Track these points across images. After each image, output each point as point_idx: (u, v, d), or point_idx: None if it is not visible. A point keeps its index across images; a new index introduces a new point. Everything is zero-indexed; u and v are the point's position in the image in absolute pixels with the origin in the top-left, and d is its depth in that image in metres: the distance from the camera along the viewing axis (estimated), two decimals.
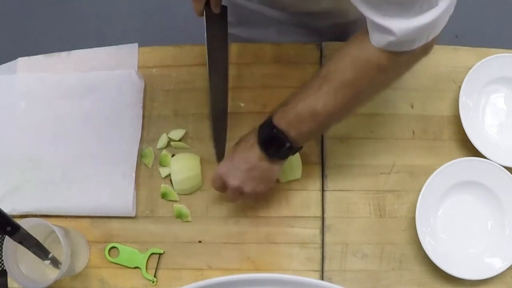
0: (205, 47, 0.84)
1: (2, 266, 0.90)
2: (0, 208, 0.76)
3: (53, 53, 0.98)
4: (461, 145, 0.91)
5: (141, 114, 0.93)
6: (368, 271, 0.87)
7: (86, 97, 0.94)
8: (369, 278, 0.87)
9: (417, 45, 0.65)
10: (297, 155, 0.87)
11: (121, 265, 0.89)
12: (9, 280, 0.88)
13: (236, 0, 1.00)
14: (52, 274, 0.85)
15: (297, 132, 0.74)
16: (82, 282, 0.89)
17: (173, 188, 0.90)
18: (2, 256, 0.88)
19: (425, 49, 0.67)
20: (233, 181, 0.80)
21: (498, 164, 0.86)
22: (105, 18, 1.91)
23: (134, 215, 0.90)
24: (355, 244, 0.88)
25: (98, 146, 0.92)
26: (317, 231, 0.89)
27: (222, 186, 0.83)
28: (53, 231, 0.81)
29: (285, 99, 0.75)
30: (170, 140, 0.93)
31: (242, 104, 0.93)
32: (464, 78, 0.89)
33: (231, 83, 0.89)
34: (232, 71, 0.92)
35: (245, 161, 0.78)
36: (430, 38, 0.65)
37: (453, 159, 0.87)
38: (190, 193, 0.91)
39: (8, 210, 0.88)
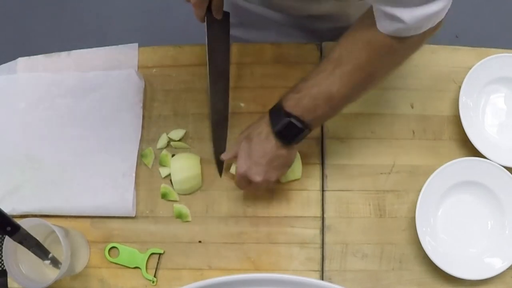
0: (206, 53, 0.84)
1: (2, 266, 0.90)
2: (0, 208, 0.76)
3: (53, 53, 0.98)
4: (461, 145, 0.91)
5: (141, 114, 0.94)
6: (368, 271, 0.87)
7: (86, 97, 0.94)
8: (369, 278, 0.87)
9: (424, 29, 0.65)
10: (297, 155, 0.87)
11: (121, 265, 0.89)
12: (9, 280, 0.88)
13: (237, 2, 1.00)
14: (52, 274, 0.85)
15: (312, 117, 0.75)
16: (82, 282, 0.89)
17: (173, 188, 0.90)
18: (2, 256, 0.88)
19: (434, 29, 0.67)
20: (258, 177, 0.80)
21: (498, 164, 0.86)
22: (105, 18, 1.91)
23: (134, 215, 0.90)
24: (355, 244, 0.88)
25: (98, 146, 0.92)
26: (317, 231, 0.89)
27: (247, 184, 0.83)
28: (53, 231, 0.81)
29: (294, 86, 0.76)
30: (170, 140, 0.93)
31: (242, 104, 0.93)
32: (464, 78, 0.89)
33: (231, 83, 0.89)
34: (232, 71, 0.92)
35: (264, 155, 0.79)
36: (436, 23, 0.65)
37: (453, 159, 0.87)
38: (190, 193, 0.91)
39: (8, 210, 0.88)
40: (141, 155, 0.92)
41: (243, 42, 0.96)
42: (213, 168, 0.91)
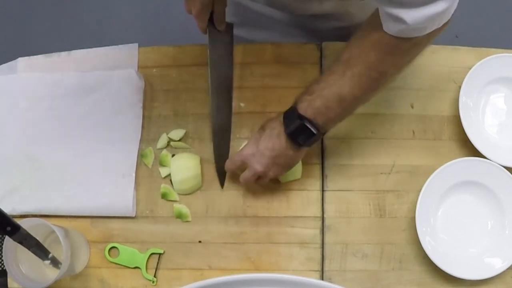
0: (207, 66, 0.85)
1: (2, 266, 0.90)
2: (0, 208, 0.76)
3: (53, 53, 0.98)
4: (461, 145, 0.91)
5: (141, 114, 0.94)
6: (368, 271, 0.87)
7: (86, 97, 0.94)
8: (369, 278, 0.87)
9: (428, 31, 0.66)
10: None
11: (121, 265, 0.89)
12: (9, 280, 0.88)
13: (239, 1, 1.00)
14: (52, 274, 0.85)
15: (325, 119, 0.75)
16: (82, 282, 0.89)
17: (173, 188, 0.90)
18: (2, 256, 0.88)
19: (440, 29, 0.67)
20: (258, 166, 0.80)
21: (498, 164, 0.86)
22: (105, 18, 1.91)
23: (134, 215, 0.90)
24: (355, 244, 0.88)
25: (98, 146, 0.92)
26: (317, 231, 0.89)
27: (238, 168, 0.83)
28: (53, 231, 0.81)
29: (307, 88, 0.76)
30: (170, 140, 0.93)
31: (242, 104, 0.93)
32: (464, 78, 0.89)
33: None
34: None
35: (271, 149, 0.79)
36: (442, 23, 0.66)
37: (453, 159, 0.87)
38: (190, 193, 0.91)
39: (8, 210, 0.88)
40: (141, 155, 0.92)
41: (245, 42, 0.96)
42: (213, 168, 0.91)
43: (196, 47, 0.95)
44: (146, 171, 0.92)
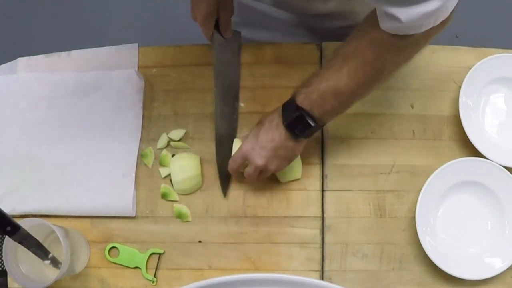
0: (213, 74, 0.85)
1: (2, 266, 0.90)
2: (0, 208, 0.76)
3: (53, 53, 0.98)
4: (461, 145, 0.91)
5: (141, 114, 0.94)
6: (368, 271, 0.87)
7: (86, 97, 0.94)
8: (369, 278, 0.87)
9: (425, 28, 0.66)
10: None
11: (121, 265, 0.89)
12: (9, 280, 0.88)
13: (243, 1, 1.00)
14: (52, 274, 0.85)
15: (321, 111, 0.75)
16: (82, 282, 0.89)
17: (173, 188, 0.90)
18: (2, 256, 0.88)
19: (439, 27, 0.67)
20: (259, 159, 0.80)
21: (498, 164, 0.86)
22: (105, 18, 1.91)
23: (134, 215, 0.90)
24: (355, 244, 0.88)
25: (98, 146, 0.92)
26: (317, 231, 0.89)
27: (240, 166, 0.83)
28: (53, 231, 0.81)
29: (305, 80, 0.77)
30: (170, 140, 0.93)
31: (242, 104, 0.93)
32: (464, 78, 0.89)
33: None
34: None
35: (271, 140, 0.79)
36: (438, 21, 0.66)
37: (453, 159, 0.87)
38: (190, 193, 0.91)
39: (8, 210, 0.88)
40: (141, 155, 0.92)
41: (247, 41, 0.96)
42: (213, 168, 0.91)
43: (196, 47, 0.95)
44: (146, 171, 0.92)
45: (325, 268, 0.87)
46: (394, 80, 0.92)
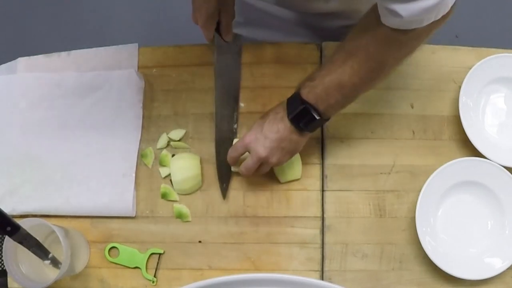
0: (214, 77, 0.85)
1: (2, 266, 0.90)
2: (0, 208, 0.76)
3: (53, 53, 0.98)
4: (461, 145, 0.91)
5: (141, 114, 0.94)
6: (368, 271, 0.87)
7: (86, 97, 0.94)
8: (369, 278, 0.87)
9: (426, 23, 0.66)
10: (297, 155, 0.87)
11: (121, 265, 0.89)
12: (9, 280, 0.88)
13: (245, 0, 1.00)
14: (52, 274, 0.85)
15: (325, 105, 0.76)
16: (82, 282, 0.89)
17: (173, 188, 0.90)
18: (2, 256, 0.88)
19: (439, 21, 0.68)
20: (262, 150, 0.80)
21: (498, 164, 0.86)
22: (105, 18, 1.91)
23: (134, 215, 0.90)
24: (355, 244, 0.88)
25: (98, 146, 0.92)
26: (317, 231, 0.89)
27: (240, 155, 0.83)
28: (53, 231, 0.81)
29: (310, 74, 0.78)
30: (170, 140, 0.93)
31: (242, 104, 0.93)
32: (464, 78, 0.89)
33: None
34: None
35: (275, 131, 0.79)
36: (439, 16, 0.66)
37: (453, 159, 0.87)
38: (190, 193, 0.91)
39: (8, 210, 0.88)
40: (141, 155, 0.92)
41: (249, 41, 0.97)
42: (213, 168, 0.91)
43: (196, 47, 0.95)
44: (146, 171, 0.92)
45: (325, 268, 0.87)
46: (394, 80, 0.92)
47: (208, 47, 0.94)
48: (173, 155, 0.91)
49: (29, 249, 0.80)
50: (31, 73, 0.97)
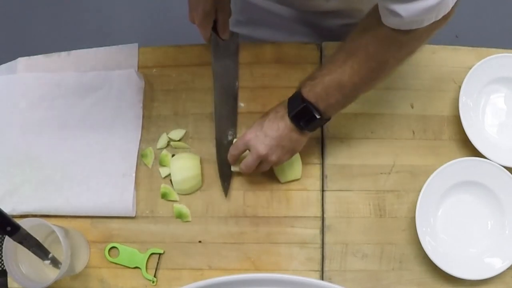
0: (212, 76, 0.85)
1: (2, 266, 0.90)
2: (0, 208, 0.76)
3: (53, 53, 0.98)
4: (461, 145, 0.91)
5: (141, 114, 0.94)
6: (368, 271, 0.87)
7: (86, 97, 0.94)
8: (369, 278, 0.87)
9: (426, 23, 0.66)
10: (297, 155, 0.88)
11: (121, 265, 0.89)
12: (9, 280, 0.88)
13: None
14: (52, 274, 0.85)
15: (325, 104, 0.76)
16: (82, 282, 0.89)
17: (173, 188, 0.90)
18: (2, 256, 0.88)
19: (440, 22, 0.68)
20: (262, 147, 0.80)
21: (498, 164, 0.86)
22: (105, 18, 1.91)
23: (134, 215, 0.90)
24: (355, 244, 0.88)
25: (98, 146, 0.92)
26: (317, 231, 0.89)
27: (241, 153, 0.83)
28: (53, 231, 0.81)
29: (311, 73, 0.78)
30: (170, 140, 0.93)
31: (242, 104, 0.93)
32: (464, 78, 0.89)
33: None
34: None
35: (276, 129, 0.79)
36: (440, 16, 0.66)
37: (453, 159, 0.87)
38: (190, 193, 0.91)
39: (8, 210, 0.88)
40: (141, 155, 0.92)
41: (249, 40, 0.97)
42: (213, 168, 0.91)
43: (196, 47, 0.95)
44: (146, 171, 0.92)
45: (325, 268, 0.87)
46: (394, 80, 0.92)
47: (208, 47, 0.94)
48: (173, 155, 0.91)
49: (29, 249, 0.80)
50: (31, 73, 0.97)
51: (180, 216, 0.90)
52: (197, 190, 0.91)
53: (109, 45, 0.97)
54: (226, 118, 0.91)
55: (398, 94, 0.93)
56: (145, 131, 0.93)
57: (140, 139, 0.93)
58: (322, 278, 0.87)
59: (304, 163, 0.90)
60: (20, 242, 0.79)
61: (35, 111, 0.94)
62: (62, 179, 0.91)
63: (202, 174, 0.91)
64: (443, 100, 0.93)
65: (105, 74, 0.95)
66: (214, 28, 0.87)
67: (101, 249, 0.89)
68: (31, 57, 0.98)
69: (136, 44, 0.97)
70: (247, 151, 0.83)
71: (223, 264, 0.88)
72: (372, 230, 0.88)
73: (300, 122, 0.78)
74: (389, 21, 0.67)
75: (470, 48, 0.94)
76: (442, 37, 0.74)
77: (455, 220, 0.88)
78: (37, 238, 0.81)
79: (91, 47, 0.97)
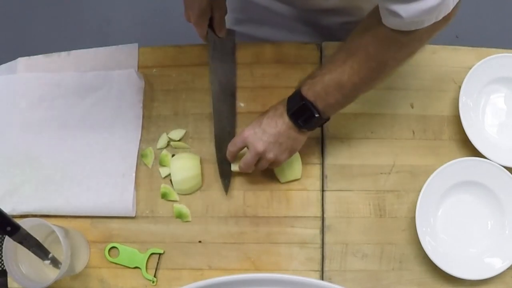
0: (209, 74, 0.85)
1: (2, 266, 0.90)
2: (0, 208, 0.76)
3: (53, 53, 0.98)
4: (461, 145, 0.91)
5: (141, 114, 0.94)
6: (368, 271, 0.87)
7: (86, 97, 0.94)
8: (369, 278, 0.87)
9: (427, 24, 0.66)
10: (297, 155, 0.88)
11: (121, 265, 0.89)
12: (9, 280, 0.88)
13: None
14: (52, 274, 0.85)
15: (324, 104, 0.76)
16: (82, 282, 0.89)
17: (173, 188, 0.90)
18: (2, 256, 0.88)
19: (445, 20, 0.68)
20: (259, 145, 0.80)
21: (498, 164, 0.86)
22: (105, 18, 1.91)
23: (134, 215, 0.90)
24: (355, 244, 0.88)
25: (98, 146, 0.92)
26: (317, 231, 0.89)
27: (239, 150, 0.83)
28: (53, 231, 0.81)
29: (311, 72, 0.78)
30: (170, 140, 0.93)
31: (242, 104, 0.93)
32: (464, 78, 0.89)
33: None
34: None
35: (274, 126, 0.79)
36: (440, 17, 0.66)
37: (453, 159, 0.87)
38: (190, 193, 0.91)
39: (8, 210, 0.88)
40: (141, 155, 0.92)
41: (249, 39, 0.96)
42: (213, 168, 0.91)
43: (196, 47, 0.95)
44: (146, 171, 0.92)
45: (325, 268, 0.87)
46: (394, 80, 0.92)
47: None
48: (173, 155, 0.91)
49: (29, 249, 0.80)
50: (31, 73, 0.97)
51: (180, 216, 0.90)
52: (197, 190, 0.91)
53: (109, 45, 0.97)
54: (225, 114, 0.91)
55: (398, 94, 0.93)
56: (145, 131, 0.93)
57: (140, 139, 0.93)
58: (322, 278, 0.87)
59: (304, 163, 0.90)
60: (20, 242, 0.79)
61: (35, 111, 0.94)
62: (62, 179, 0.91)
63: (202, 174, 0.91)
64: (443, 100, 0.93)
65: (105, 74, 0.95)
66: (210, 26, 0.87)
67: (101, 249, 0.89)
68: (31, 57, 0.98)
69: (136, 44, 0.97)
70: (245, 149, 0.83)
71: (223, 264, 0.88)
72: (372, 230, 0.88)
73: (298, 120, 0.78)
74: (389, 22, 0.67)
75: (470, 48, 0.94)
76: (442, 37, 0.74)
77: (455, 220, 0.88)
78: (37, 238, 0.81)
79: (91, 47, 0.97)
